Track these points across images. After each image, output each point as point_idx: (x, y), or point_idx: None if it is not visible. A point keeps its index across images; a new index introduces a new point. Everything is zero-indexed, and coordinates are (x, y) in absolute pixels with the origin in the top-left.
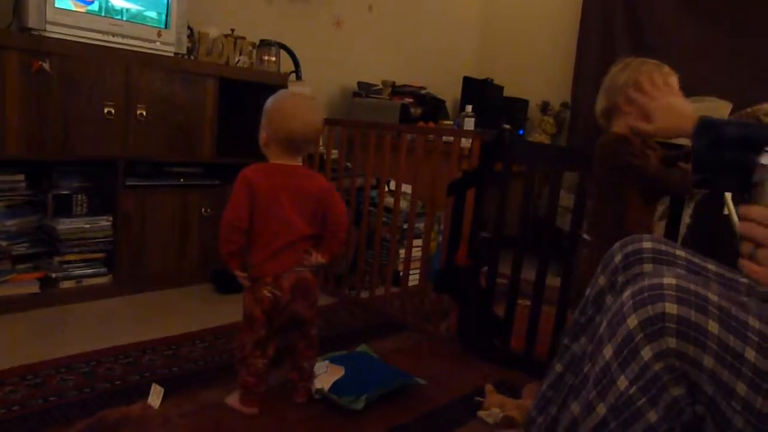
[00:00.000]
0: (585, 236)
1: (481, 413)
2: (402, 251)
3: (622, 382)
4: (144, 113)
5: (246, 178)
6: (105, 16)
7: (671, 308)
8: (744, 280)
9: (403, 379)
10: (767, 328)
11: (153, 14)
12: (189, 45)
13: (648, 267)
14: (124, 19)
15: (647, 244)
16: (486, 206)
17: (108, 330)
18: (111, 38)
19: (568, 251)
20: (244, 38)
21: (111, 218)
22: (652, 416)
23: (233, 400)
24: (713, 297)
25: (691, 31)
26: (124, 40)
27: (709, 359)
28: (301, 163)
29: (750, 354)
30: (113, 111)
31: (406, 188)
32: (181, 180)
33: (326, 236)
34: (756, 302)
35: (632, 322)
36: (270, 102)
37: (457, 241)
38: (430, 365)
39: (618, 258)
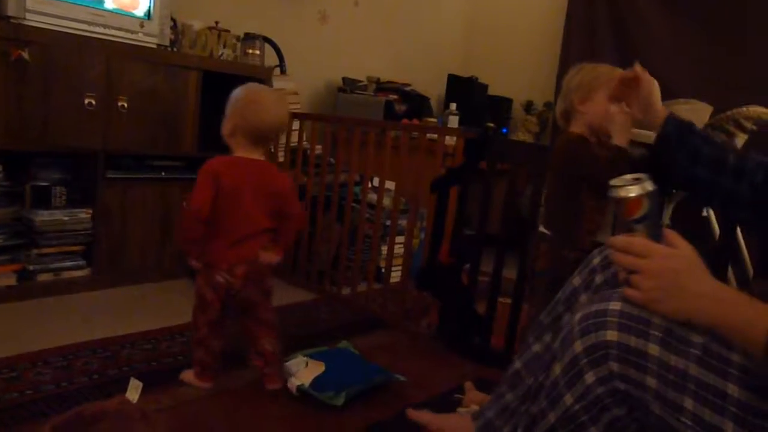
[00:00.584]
0: (542, 229)
1: (460, 410)
2: (384, 248)
3: (568, 399)
4: (125, 105)
5: (212, 169)
6: (86, 6)
7: (612, 335)
8: None
9: (384, 376)
10: (712, 342)
11: (136, 5)
12: (172, 37)
13: (615, 303)
14: (106, 9)
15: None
16: (469, 204)
17: (86, 324)
18: (92, 28)
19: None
20: (228, 31)
21: (90, 211)
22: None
23: (188, 375)
24: (658, 319)
25: (674, 34)
26: (106, 31)
27: (651, 380)
28: (263, 158)
29: (693, 370)
30: (94, 102)
31: (390, 185)
32: (162, 173)
33: (283, 231)
34: None
35: (578, 347)
36: (240, 93)
37: (440, 238)
38: (410, 362)
39: (597, 260)
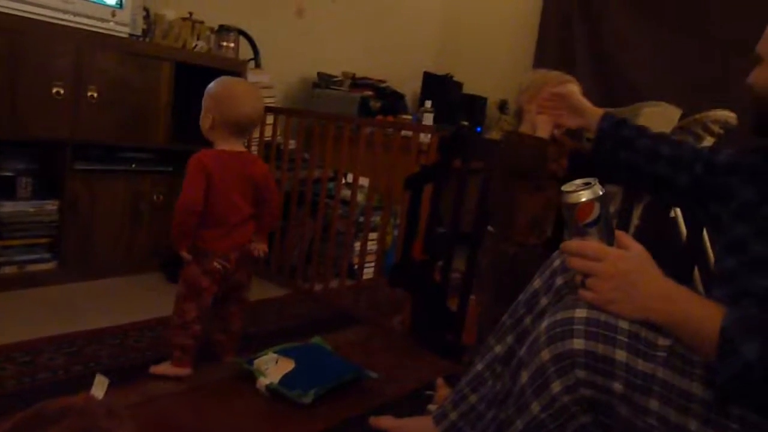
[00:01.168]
0: (489, 228)
1: (431, 407)
2: (357, 244)
3: (535, 407)
4: (95, 95)
5: (202, 163)
6: None
7: (579, 344)
8: None
9: (355, 373)
10: (676, 344)
11: None
12: (144, 27)
13: (581, 310)
14: None
15: None
16: (442, 202)
17: (51, 318)
18: (62, 15)
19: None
20: (202, 23)
21: (57, 203)
22: None
23: (162, 368)
24: (623, 323)
25: (645, 36)
26: (76, 18)
27: (618, 385)
28: (243, 148)
29: (659, 372)
30: (62, 91)
31: (364, 181)
32: (133, 165)
33: (265, 216)
34: None
35: (545, 355)
36: (218, 87)
37: (413, 235)
38: (382, 358)
39: (557, 262)
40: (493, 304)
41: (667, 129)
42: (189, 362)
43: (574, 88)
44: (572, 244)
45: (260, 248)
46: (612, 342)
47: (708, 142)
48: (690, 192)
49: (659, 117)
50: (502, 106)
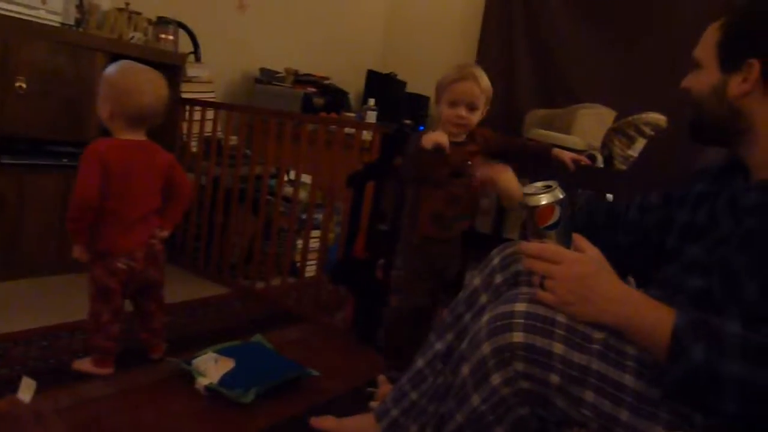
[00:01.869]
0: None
1: (372, 404)
2: (300, 242)
3: (475, 400)
4: (23, 86)
5: (98, 154)
6: None
7: (518, 337)
8: None
9: (296, 371)
10: (611, 337)
11: None
12: (78, 16)
13: (520, 304)
14: None
15: (509, 249)
16: (384, 199)
17: None
18: None
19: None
20: (139, 14)
21: None
22: (500, 431)
23: (84, 364)
24: (561, 317)
25: (583, 38)
26: (3, 5)
27: (554, 377)
28: (145, 138)
29: (594, 364)
30: None
31: (306, 178)
32: (64, 160)
33: (172, 207)
34: None
35: (486, 348)
36: (117, 76)
37: (355, 233)
38: (324, 356)
39: (496, 261)
40: (406, 297)
41: (601, 130)
42: (110, 362)
43: (506, 175)
44: (531, 246)
45: (161, 235)
46: (550, 335)
47: (640, 143)
48: (633, 244)
49: (594, 118)
50: None
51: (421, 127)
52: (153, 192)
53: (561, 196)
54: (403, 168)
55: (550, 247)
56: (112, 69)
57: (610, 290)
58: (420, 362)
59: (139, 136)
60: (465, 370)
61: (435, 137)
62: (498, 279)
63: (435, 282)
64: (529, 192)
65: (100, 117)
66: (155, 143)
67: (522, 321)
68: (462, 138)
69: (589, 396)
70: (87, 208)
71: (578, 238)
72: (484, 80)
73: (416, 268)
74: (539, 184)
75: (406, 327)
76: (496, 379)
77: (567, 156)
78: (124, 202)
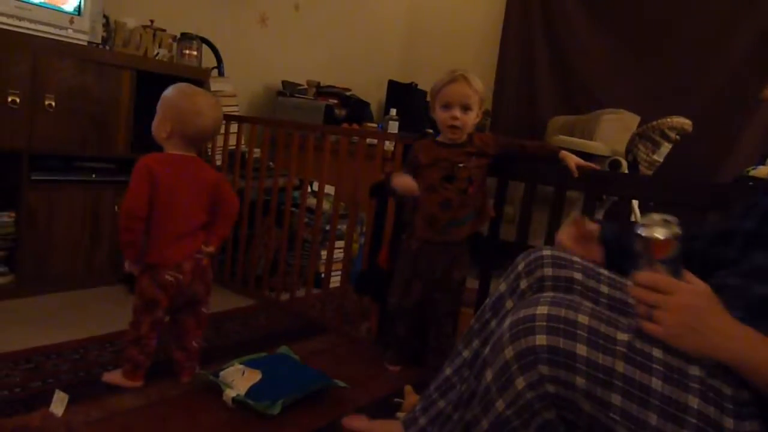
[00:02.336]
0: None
1: (399, 414)
2: (324, 253)
3: (500, 405)
4: (53, 104)
5: (147, 167)
6: None
7: (541, 340)
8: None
9: (323, 382)
10: (635, 338)
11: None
12: (104, 35)
13: (548, 270)
14: (33, 3)
15: (547, 252)
16: (407, 209)
17: (8, 333)
18: (17, 22)
19: (485, 254)
20: (164, 30)
21: (14, 214)
22: None
23: (114, 376)
24: (583, 319)
25: (602, 44)
26: (32, 25)
27: (580, 379)
28: (195, 155)
29: (619, 366)
30: (18, 100)
31: (329, 189)
32: (93, 176)
33: (219, 223)
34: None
35: (509, 353)
36: (180, 98)
37: (379, 243)
38: (350, 367)
39: (521, 266)
40: (401, 296)
41: (625, 135)
42: (140, 376)
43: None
44: (645, 275)
45: (207, 250)
46: (573, 337)
47: (665, 148)
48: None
49: (617, 124)
50: None
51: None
52: (200, 207)
53: (679, 232)
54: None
55: (663, 277)
56: (172, 91)
57: (724, 325)
58: (448, 370)
59: (190, 153)
60: (488, 375)
61: (405, 183)
62: (523, 284)
63: (427, 284)
64: (648, 223)
65: (156, 136)
66: (203, 160)
67: (544, 324)
68: (461, 140)
69: (617, 399)
70: (135, 219)
71: (688, 274)
72: (476, 81)
73: (404, 269)
74: (657, 216)
75: (400, 325)
76: (520, 383)
77: (572, 162)
78: (171, 215)
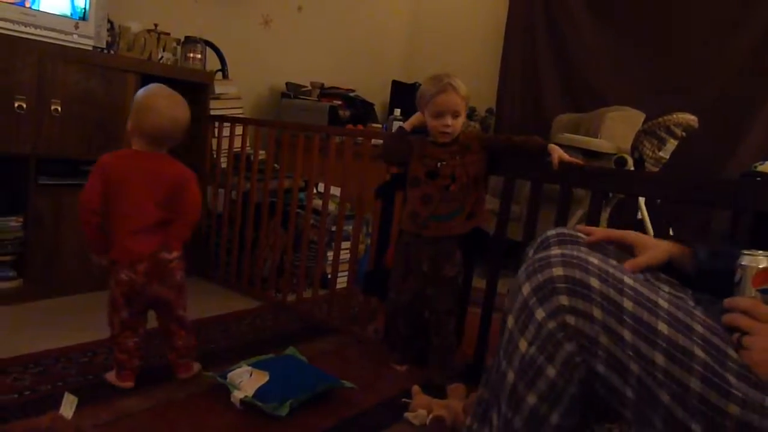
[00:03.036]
0: None
1: (407, 415)
2: (330, 254)
3: (522, 344)
4: (59, 108)
5: (101, 162)
6: (16, 5)
7: (558, 271)
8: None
9: (330, 383)
10: (639, 285)
11: (71, 5)
12: (109, 39)
13: (555, 249)
14: (38, 9)
15: (552, 232)
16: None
17: (17, 337)
18: (23, 28)
19: (492, 253)
20: (168, 34)
21: (21, 219)
22: (551, 372)
23: (111, 376)
24: (593, 260)
25: (609, 45)
26: (38, 31)
27: (597, 310)
28: (164, 152)
29: (628, 305)
30: (24, 105)
31: (335, 190)
32: None
33: (176, 224)
34: (653, 275)
35: (526, 289)
36: (140, 96)
37: (386, 243)
38: (357, 367)
39: (531, 252)
40: (398, 291)
41: (630, 132)
42: (128, 376)
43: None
44: (742, 299)
45: (170, 257)
46: (586, 270)
47: (671, 145)
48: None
49: (622, 121)
50: (471, 113)
51: None
52: (152, 201)
53: None
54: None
55: (759, 304)
56: (140, 90)
57: None
58: (490, 359)
59: (159, 152)
60: (510, 321)
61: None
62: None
63: (418, 278)
64: (750, 252)
65: (126, 132)
66: (172, 157)
67: (559, 259)
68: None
69: (629, 336)
70: (89, 212)
71: None
72: (462, 88)
73: (398, 264)
74: (760, 251)
75: (400, 322)
76: (540, 313)
77: (556, 155)
78: (123, 209)
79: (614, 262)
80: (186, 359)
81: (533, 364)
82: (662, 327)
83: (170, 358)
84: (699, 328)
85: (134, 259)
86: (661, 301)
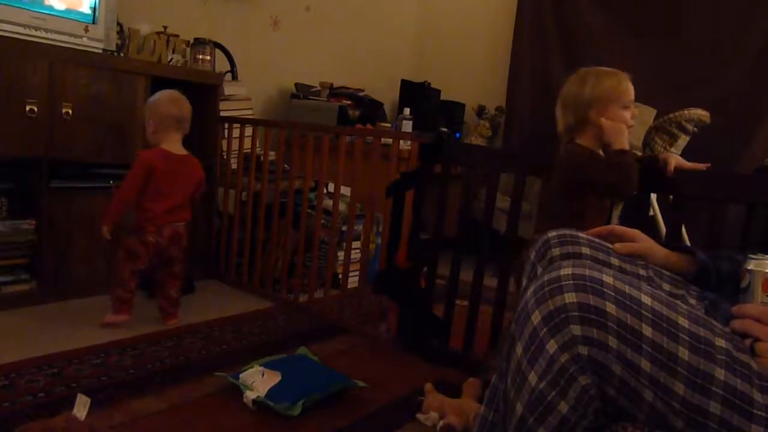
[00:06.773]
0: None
1: (419, 416)
2: (341, 253)
3: (533, 378)
4: (70, 112)
5: (148, 160)
6: (27, 9)
7: (570, 297)
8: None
9: (343, 382)
10: (655, 302)
11: (80, 8)
12: (119, 42)
13: (555, 251)
14: (48, 12)
15: (552, 234)
16: (425, 208)
17: (31, 340)
18: (33, 32)
19: (504, 252)
20: (177, 36)
21: (34, 222)
22: (564, 407)
23: (109, 318)
24: (608, 279)
25: (619, 40)
26: (48, 35)
27: (612, 339)
28: (187, 152)
29: (647, 330)
30: (36, 109)
31: (345, 190)
32: (111, 182)
33: (188, 204)
34: (654, 272)
35: (536, 318)
36: (150, 101)
37: (397, 242)
38: (369, 367)
39: (533, 255)
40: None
41: (641, 128)
42: (126, 310)
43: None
44: (752, 307)
45: (181, 226)
46: (601, 294)
47: (683, 141)
48: None
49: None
50: (480, 112)
51: (458, 134)
52: (186, 193)
53: None
54: (587, 177)
55: None
56: (149, 98)
57: None
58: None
59: (179, 145)
60: (518, 349)
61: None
62: (539, 269)
63: None
64: (759, 257)
65: (148, 137)
66: (195, 158)
67: (571, 282)
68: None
69: (646, 365)
70: (123, 203)
71: None
72: None
73: None
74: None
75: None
76: (552, 346)
77: (673, 161)
78: (163, 196)
79: (629, 278)
80: (174, 308)
81: (543, 399)
82: (683, 353)
83: (161, 305)
84: (722, 343)
85: (164, 227)
86: (681, 320)
